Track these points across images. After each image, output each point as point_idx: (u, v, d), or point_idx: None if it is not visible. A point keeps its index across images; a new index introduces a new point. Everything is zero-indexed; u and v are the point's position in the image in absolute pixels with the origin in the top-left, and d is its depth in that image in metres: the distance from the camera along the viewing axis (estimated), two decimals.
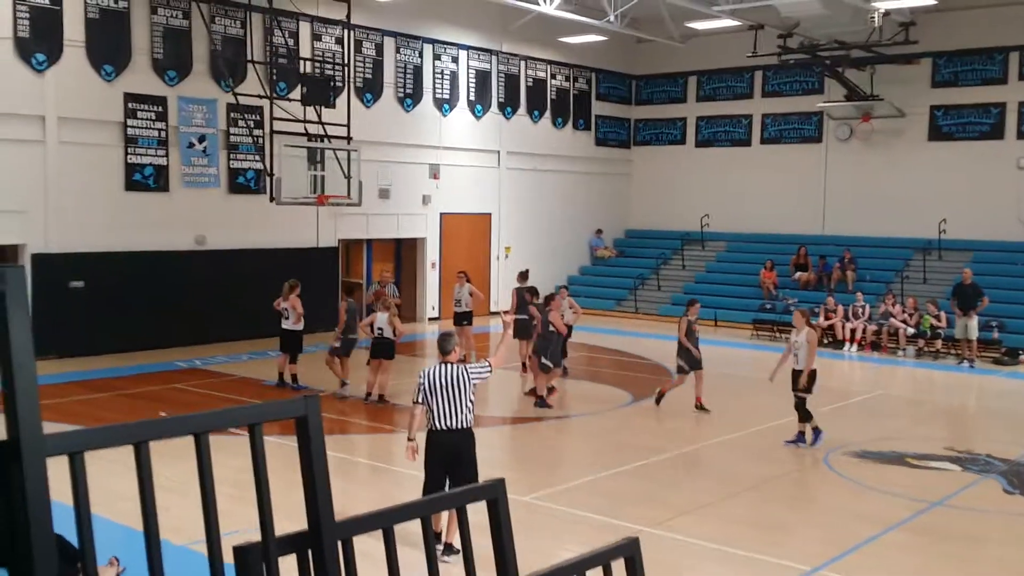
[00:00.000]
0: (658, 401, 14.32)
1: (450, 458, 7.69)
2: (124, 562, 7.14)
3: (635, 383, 16.78)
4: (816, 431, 12.13)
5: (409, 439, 8.05)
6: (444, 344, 8.01)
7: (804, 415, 12.13)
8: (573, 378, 17.15)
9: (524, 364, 16.86)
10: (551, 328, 14.48)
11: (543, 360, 14.29)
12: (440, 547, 7.76)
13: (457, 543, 7.62)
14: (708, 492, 10.26)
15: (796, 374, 12.16)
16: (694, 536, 8.74)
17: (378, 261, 24.64)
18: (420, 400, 7.78)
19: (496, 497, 2.54)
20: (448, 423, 7.65)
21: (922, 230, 24.29)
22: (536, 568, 2.73)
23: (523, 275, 18.18)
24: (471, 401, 7.71)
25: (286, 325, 15.24)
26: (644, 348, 20.53)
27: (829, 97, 26.00)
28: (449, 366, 7.77)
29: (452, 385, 7.65)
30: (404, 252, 25.09)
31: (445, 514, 7.56)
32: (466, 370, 7.76)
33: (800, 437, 12.13)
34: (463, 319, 18.10)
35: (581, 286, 27.89)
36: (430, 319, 24.58)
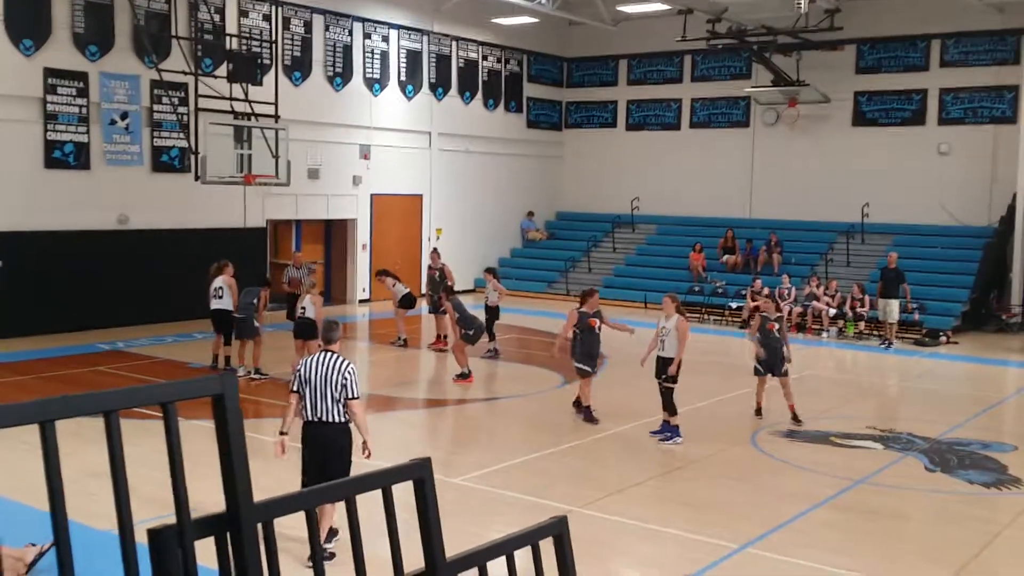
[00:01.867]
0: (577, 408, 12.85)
1: (321, 452, 7.32)
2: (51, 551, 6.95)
3: (565, 365, 16.79)
4: (673, 428, 11.46)
5: (281, 432, 7.59)
6: (328, 333, 7.65)
7: (670, 407, 11.51)
8: (505, 360, 17.16)
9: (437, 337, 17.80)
10: (596, 329, 12.35)
11: (580, 364, 12.32)
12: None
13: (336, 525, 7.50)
14: (638, 472, 10.34)
15: (662, 362, 11.49)
16: (624, 515, 8.79)
17: (307, 242, 24.35)
18: (295, 389, 7.42)
19: (422, 477, 2.48)
20: (318, 415, 7.30)
21: (846, 214, 24.77)
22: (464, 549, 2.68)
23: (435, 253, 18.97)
24: (343, 392, 7.26)
25: (219, 305, 14.93)
26: None
27: (756, 82, 26.33)
28: (327, 355, 7.41)
29: (325, 375, 7.26)
30: (334, 233, 24.82)
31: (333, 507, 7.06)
32: (344, 363, 7.33)
33: (665, 427, 11.54)
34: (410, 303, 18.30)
35: (512, 268, 27.92)
36: (360, 301, 24.37)
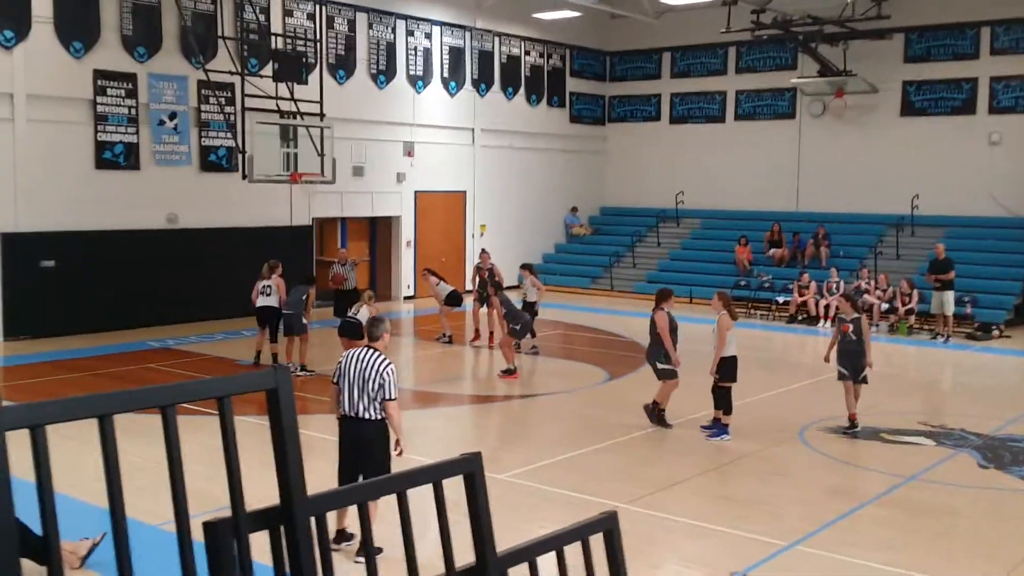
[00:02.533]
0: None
1: (356, 448, 7.33)
2: (102, 544, 7.07)
3: (610, 360, 16.80)
4: (722, 426, 11.34)
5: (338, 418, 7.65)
6: (372, 329, 7.64)
7: (720, 403, 11.38)
8: (549, 356, 17.17)
9: (476, 332, 18.11)
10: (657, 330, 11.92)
11: (659, 365, 11.88)
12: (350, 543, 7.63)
13: (350, 529, 7.55)
14: (684, 468, 10.29)
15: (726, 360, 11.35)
16: (671, 512, 8.75)
17: (352, 240, 24.52)
18: (335, 380, 7.48)
19: (473, 471, 2.49)
20: (355, 410, 7.31)
21: (895, 206, 24.41)
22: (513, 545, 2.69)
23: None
24: (380, 393, 7.25)
25: (265, 302, 15.09)
26: (619, 326, 20.55)
27: (802, 73, 26.02)
28: (369, 351, 7.39)
29: (364, 372, 7.27)
30: (379, 230, 24.96)
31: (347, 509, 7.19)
32: (384, 362, 7.30)
33: (716, 424, 11.43)
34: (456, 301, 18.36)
35: (556, 264, 27.91)
36: (405, 298, 24.49)
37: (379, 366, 7.29)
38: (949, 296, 19.42)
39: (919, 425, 12.28)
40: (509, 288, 16.82)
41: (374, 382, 7.25)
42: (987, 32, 23.93)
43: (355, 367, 7.32)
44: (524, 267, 18.01)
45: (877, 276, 21.47)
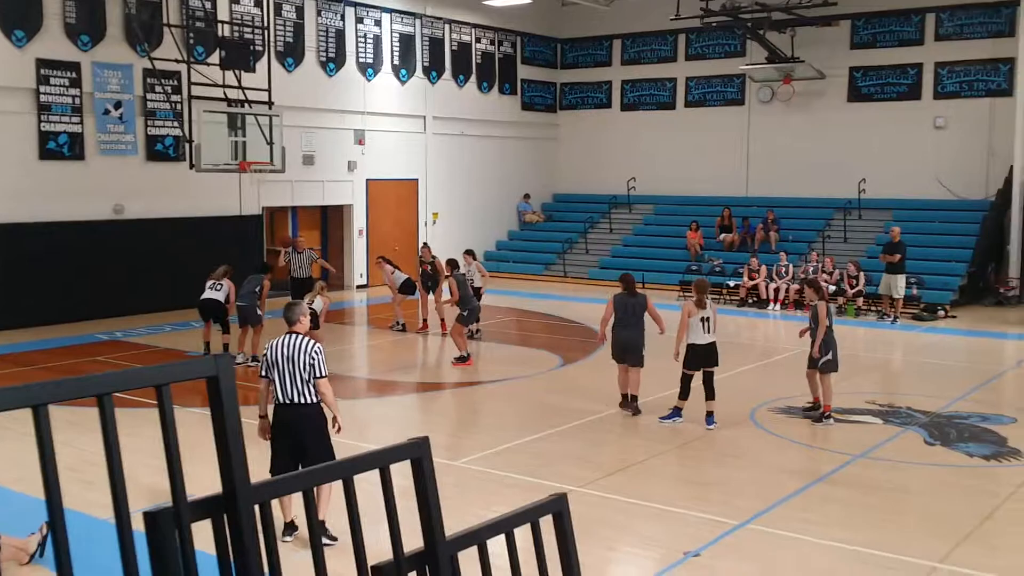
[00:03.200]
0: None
1: (297, 434, 7.29)
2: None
3: (564, 346, 16.86)
4: (676, 410, 11.42)
5: (260, 416, 7.62)
6: (288, 314, 7.59)
7: (682, 389, 11.42)
8: (503, 342, 17.21)
9: (424, 322, 18.01)
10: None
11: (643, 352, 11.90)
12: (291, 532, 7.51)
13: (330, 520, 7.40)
14: (638, 451, 10.36)
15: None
16: (625, 494, 8.81)
17: (304, 229, 24.32)
18: (264, 374, 7.41)
19: (420, 456, 2.48)
20: (288, 397, 7.28)
21: (842, 190, 24.73)
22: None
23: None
24: (311, 372, 7.26)
25: (212, 295, 14.86)
26: (573, 312, 20.62)
27: (751, 60, 26.23)
28: (291, 337, 7.38)
29: (292, 357, 7.26)
30: (331, 219, 24.78)
31: (292, 498, 6.95)
32: (310, 344, 7.32)
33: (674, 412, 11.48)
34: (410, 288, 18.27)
35: (509, 251, 27.93)
36: (358, 286, 24.36)
37: (306, 347, 7.31)
38: (899, 279, 19.70)
39: (868, 404, 12.48)
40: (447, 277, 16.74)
41: (303, 364, 7.25)
42: (932, 18, 24.27)
43: (282, 354, 7.31)
44: (467, 253, 18.09)
45: (825, 259, 21.76)
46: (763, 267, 22.09)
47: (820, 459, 10.06)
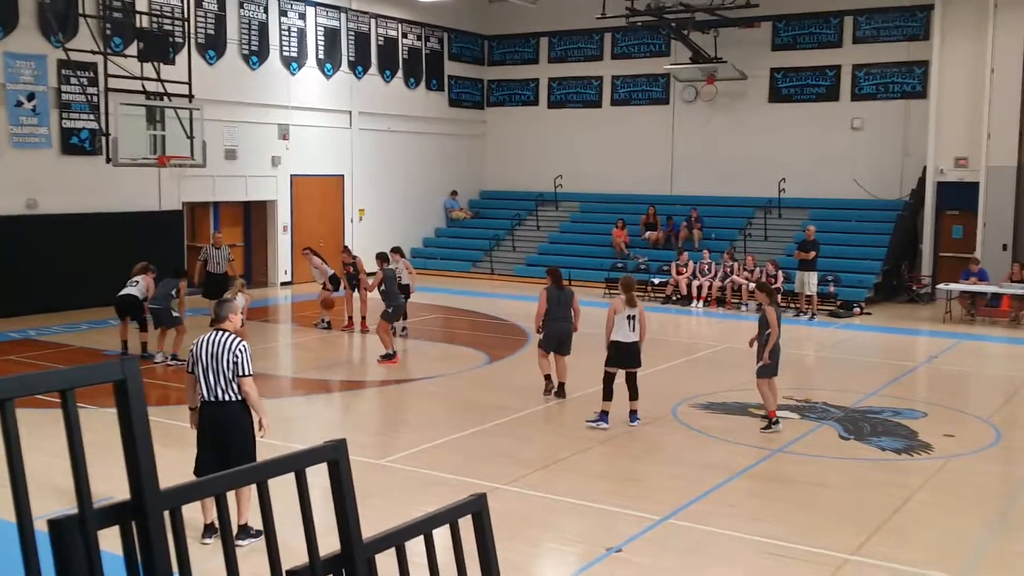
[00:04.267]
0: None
1: (220, 433, 7.23)
2: None
3: (491, 344, 16.88)
4: (603, 414, 11.20)
5: (191, 408, 7.61)
6: (219, 310, 7.56)
7: (605, 390, 11.32)
8: (429, 340, 17.16)
9: (349, 320, 17.84)
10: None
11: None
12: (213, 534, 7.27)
13: (253, 523, 7.31)
14: (562, 448, 10.42)
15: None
16: (549, 491, 8.86)
17: (226, 225, 23.92)
18: (190, 370, 7.38)
19: (337, 459, 2.46)
20: (213, 394, 7.23)
21: (763, 189, 25.19)
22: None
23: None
24: (234, 369, 7.20)
25: (129, 291, 14.55)
26: (499, 309, 20.66)
27: (675, 60, 26.55)
28: (218, 334, 7.33)
29: (216, 354, 7.21)
30: (254, 215, 24.43)
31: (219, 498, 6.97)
32: (235, 341, 7.27)
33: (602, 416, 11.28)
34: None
35: (436, 248, 27.87)
36: (282, 284, 24.06)
37: (231, 345, 7.24)
38: (812, 276, 20.17)
39: (785, 399, 12.71)
40: (372, 274, 16.62)
41: (227, 361, 7.19)
42: (850, 21, 24.86)
43: (207, 351, 7.24)
44: (394, 251, 17.94)
45: (745, 257, 22.15)
46: (692, 263, 22.39)
47: (739, 454, 10.24)
